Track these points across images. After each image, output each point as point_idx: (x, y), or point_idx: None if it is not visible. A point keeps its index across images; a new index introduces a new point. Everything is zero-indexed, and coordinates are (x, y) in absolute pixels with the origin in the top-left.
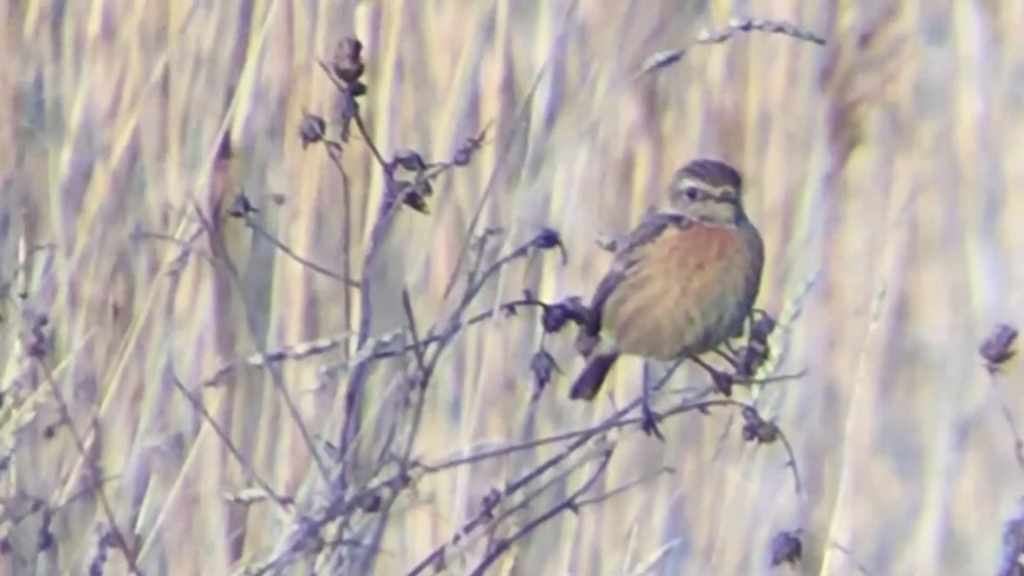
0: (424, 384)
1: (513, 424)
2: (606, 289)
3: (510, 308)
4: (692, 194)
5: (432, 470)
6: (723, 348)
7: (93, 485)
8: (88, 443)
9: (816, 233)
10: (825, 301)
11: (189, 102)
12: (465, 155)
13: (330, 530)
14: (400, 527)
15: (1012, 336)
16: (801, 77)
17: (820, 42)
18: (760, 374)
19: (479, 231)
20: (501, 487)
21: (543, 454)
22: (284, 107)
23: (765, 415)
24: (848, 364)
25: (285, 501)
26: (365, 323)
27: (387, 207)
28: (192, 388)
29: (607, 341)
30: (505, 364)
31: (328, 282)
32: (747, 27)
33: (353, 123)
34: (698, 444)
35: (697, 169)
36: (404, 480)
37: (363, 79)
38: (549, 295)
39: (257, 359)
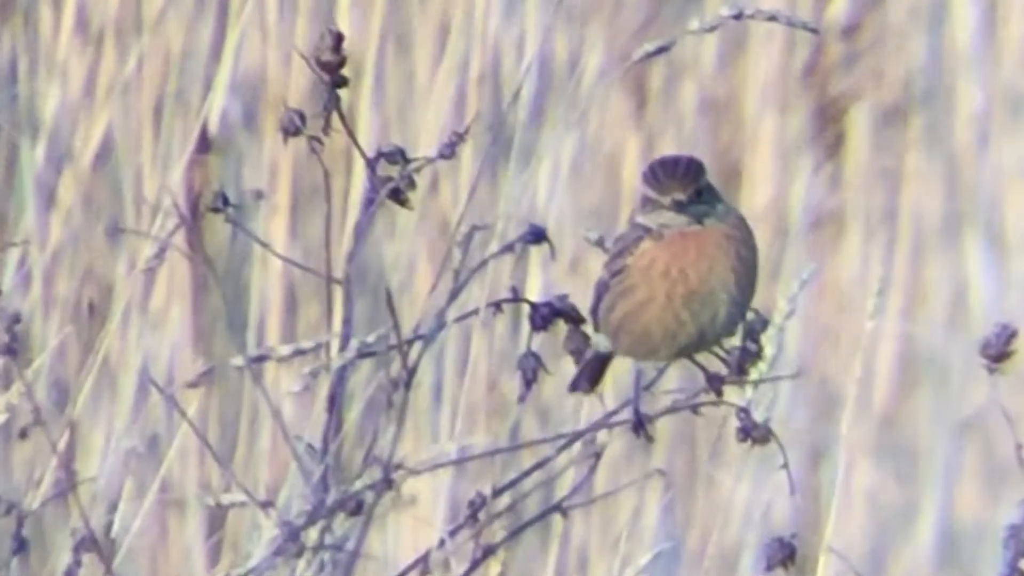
0: (408, 385)
1: (499, 426)
2: (598, 295)
3: (496, 306)
4: (645, 203)
5: (416, 473)
6: (716, 348)
7: (67, 488)
8: (62, 445)
9: (811, 229)
10: (820, 299)
11: (164, 94)
12: (450, 149)
13: (311, 535)
14: (383, 531)
15: (1012, 335)
16: (792, 69)
17: (814, 31)
18: (753, 374)
19: (464, 227)
20: (487, 490)
21: (530, 456)
22: (263, 100)
23: (759, 416)
24: (843, 364)
25: (265, 505)
26: (347, 322)
27: (369, 203)
28: (170, 388)
29: (602, 342)
30: (491, 364)
31: (309, 280)
32: (738, 16)
33: (335, 116)
34: (690, 446)
35: (650, 174)
36: (387, 483)
37: (345, 71)
38: (536, 293)
39: (238, 361)
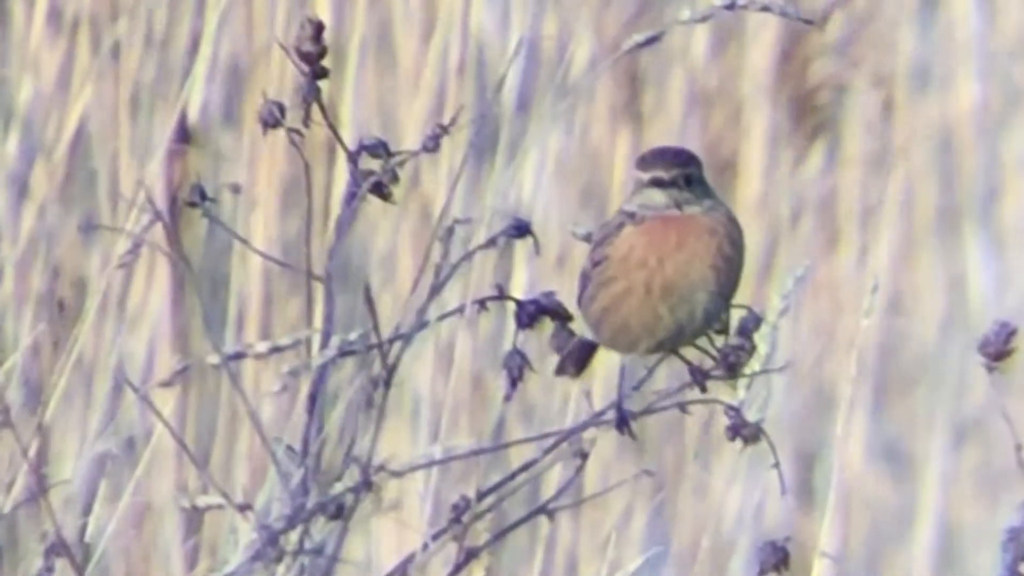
0: (389, 384)
1: (484, 426)
2: (581, 286)
3: (480, 303)
4: (633, 188)
5: (398, 474)
6: (707, 346)
7: (39, 492)
8: (34, 447)
9: (806, 224)
10: (815, 296)
11: (141, 85)
12: (434, 142)
13: (290, 539)
14: (364, 535)
15: (1011, 333)
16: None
17: (808, 23)
18: (746, 372)
19: (447, 221)
20: (471, 492)
21: (516, 457)
22: (242, 91)
23: (750, 415)
24: (838, 362)
25: (243, 508)
26: (328, 319)
27: (351, 197)
28: (145, 389)
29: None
30: (475, 362)
31: (289, 276)
32: (731, 6)
33: (315, 108)
34: (680, 446)
35: (640, 157)
36: (368, 485)
37: (326, 62)
38: (521, 289)
39: (214, 358)
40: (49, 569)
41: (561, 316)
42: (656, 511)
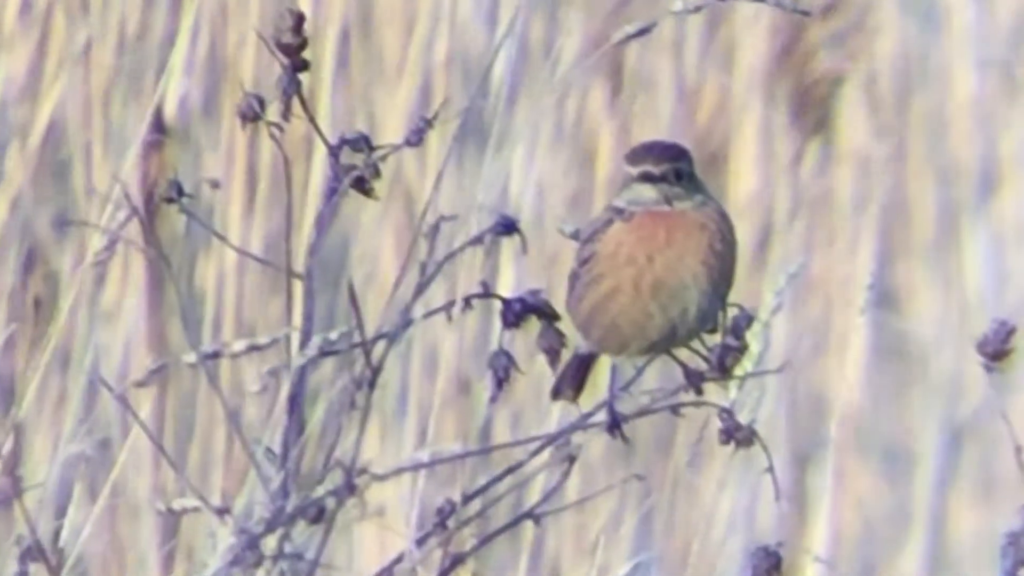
0: (372, 385)
1: (469, 428)
2: (570, 286)
3: (466, 302)
4: (623, 183)
5: (381, 478)
6: (697, 345)
7: (12, 494)
8: (7, 448)
9: (799, 220)
10: (809, 293)
11: (117, 76)
12: (417, 136)
13: (270, 543)
14: (347, 540)
15: (1010, 332)
16: (770, 51)
17: (804, 13)
18: (738, 373)
19: (431, 218)
20: (456, 496)
21: (501, 460)
22: (220, 84)
23: (743, 417)
24: (833, 362)
25: (221, 512)
26: (308, 318)
27: (332, 192)
28: (121, 388)
29: (576, 339)
30: (460, 363)
31: (268, 274)
32: None
33: (295, 101)
34: (670, 449)
35: (630, 151)
36: (351, 489)
37: (306, 54)
38: (508, 288)
39: (191, 357)
40: (23, 573)
41: (548, 315)
42: (645, 516)
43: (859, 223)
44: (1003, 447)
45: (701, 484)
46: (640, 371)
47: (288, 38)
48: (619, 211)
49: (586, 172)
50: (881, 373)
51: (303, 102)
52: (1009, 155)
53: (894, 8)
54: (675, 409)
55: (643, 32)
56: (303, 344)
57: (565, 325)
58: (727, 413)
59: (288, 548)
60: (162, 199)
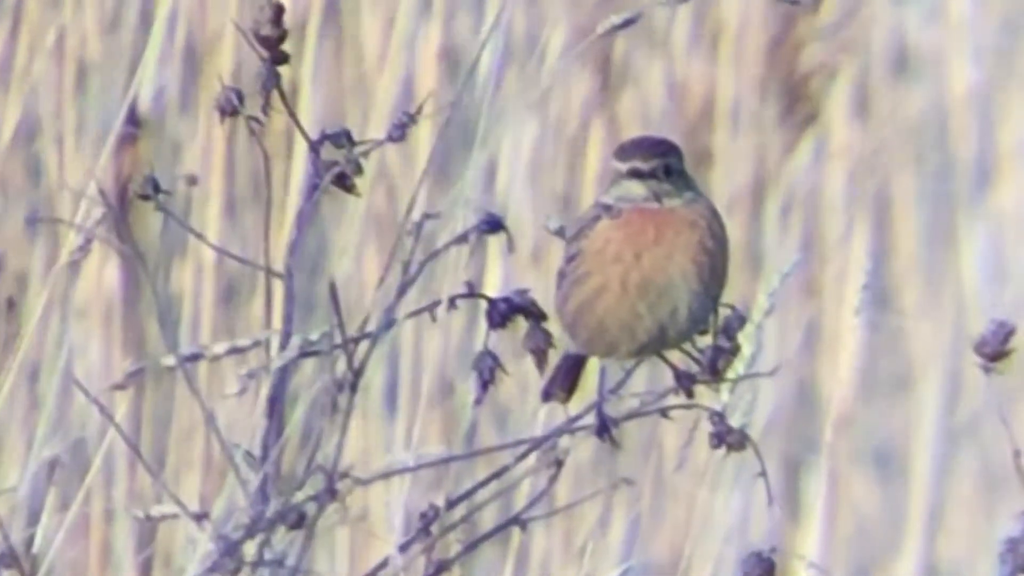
0: (354, 387)
1: (454, 431)
2: (557, 285)
3: (450, 302)
4: (611, 179)
5: (363, 482)
6: (688, 347)
7: None
8: None
9: (792, 217)
10: (802, 294)
11: (90, 68)
12: (400, 131)
13: (250, 549)
14: (328, 546)
15: (1009, 332)
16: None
17: (795, 3)
18: (730, 375)
19: (415, 215)
20: (441, 501)
21: (487, 464)
22: (197, 77)
23: (735, 421)
24: (826, 363)
25: (199, 517)
26: (288, 319)
27: (312, 189)
28: (96, 391)
29: (565, 341)
30: (445, 364)
31: (247, 273)
32: None
33: (275, 95)
34: (660, 453)
35: (618, 147)
36: (332, 493)
37: (286, 46)
38: (494, 287)
39: (169, 360)
40: None
41: (535, 315)
42: (634, 522)
43: (853, 219)
44: (1001, 451)
45: (692, 489)
46: (629, 373)
47: (268, 30)
48: (607, 208)
49: (573, 168)
50: (876, 375)
51: (283, 96)
52: (1007, 148)
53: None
54: (665, 412)
55: (629, 23)
56: (283, 345)
57: (553, 325)
58: (718, 416)
59: (268, 555)
60: (138, 196)
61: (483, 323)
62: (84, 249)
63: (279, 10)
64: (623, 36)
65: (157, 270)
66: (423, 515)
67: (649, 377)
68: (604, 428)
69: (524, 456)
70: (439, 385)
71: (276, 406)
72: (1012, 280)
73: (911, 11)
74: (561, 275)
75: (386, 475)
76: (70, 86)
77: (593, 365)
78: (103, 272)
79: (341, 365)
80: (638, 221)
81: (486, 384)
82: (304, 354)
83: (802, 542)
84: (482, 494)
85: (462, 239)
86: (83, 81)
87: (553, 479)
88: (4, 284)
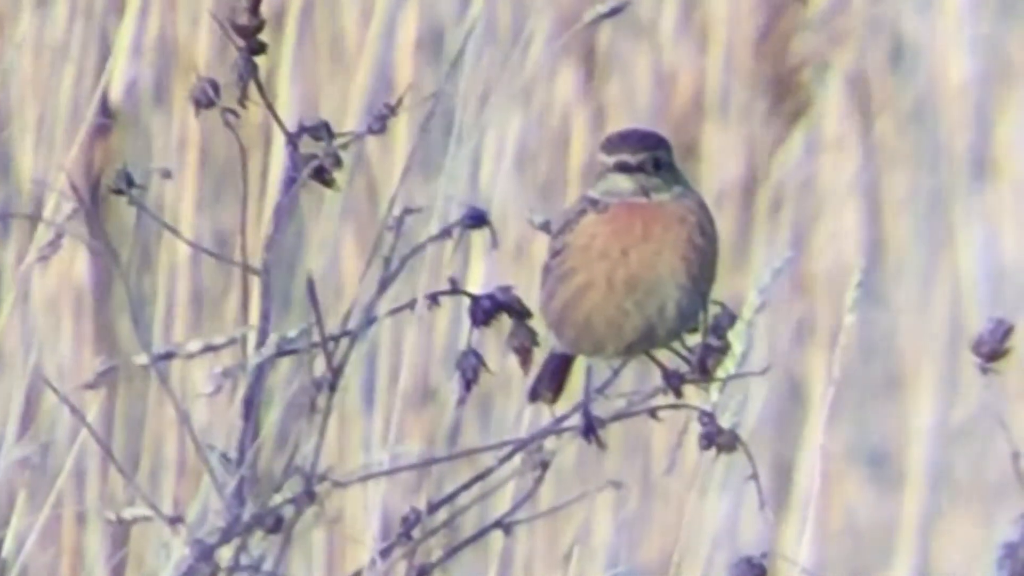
0: (333, 386)
1: (436, 432)
2: (542, 281)
3: (432, 299)
4: (598, 173)
5: (342, 485)
6: (677, 345)
7: None
8: None
9: (783, 212)
10: (794, 291)
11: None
12: (380, 123)
13: (225, 554)
14: (305, 550)
15: (1007, 331)
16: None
17: None
18: (720, 374)
19: (396, 210)
20: (422, 504)
21: (470, 466)
22: (171, 67)
23: (725, 421)
24: (819, 363)
25: (174, 521)
26: (265, 316)
27: (290, 183)
28: (67, 390)
29: (550, 339)
30: (427, 363)
31: (222, 269)
32: None
33: (252, 86)
34: (648, 455)
35: (605, 139)
36: (310, 496)
37: (263, 36)
38: (477, 283)
39: (143, 358)
40: None
41: (519, 312)
42: (620, 525)
43: (845, 214)
44: (998, 453)
45: (681, 491)
46: (616, 372)
47: (244, 19)
48: (593, 202)
49: (558, 161)
50: (870, 374)
51: (260, 87)
52: (1004, 141)
53: None
54: (653, 413)
55: (615, 12)
56: (259, 343)
57: (538, 323)
58: (708, 417)
59: (244, 559)
60: (109, 190)
61: (466, 321)
62: (55, 245)
63: None
64: (608, 25)
65: (130, 266)
66: (404, 519)
67: (637, 376)
68: (590, 429)
69: (508, 458)
70: (420, 384)
71: (252, 406)
72: (1009, 277)
73: (905, 1)
74: (546, 271)
75: (365, 477)
76: (40, 77)
77: (580, 364)
78: (73, 268)
79: (320, 364)
80: (625, 216)
81: (469, 384)
82: (282, 353)
83: (794, 545)
84: (465, 497)
85: (445, 234)
86: (54, 71)
87: (538, 482)
88: None
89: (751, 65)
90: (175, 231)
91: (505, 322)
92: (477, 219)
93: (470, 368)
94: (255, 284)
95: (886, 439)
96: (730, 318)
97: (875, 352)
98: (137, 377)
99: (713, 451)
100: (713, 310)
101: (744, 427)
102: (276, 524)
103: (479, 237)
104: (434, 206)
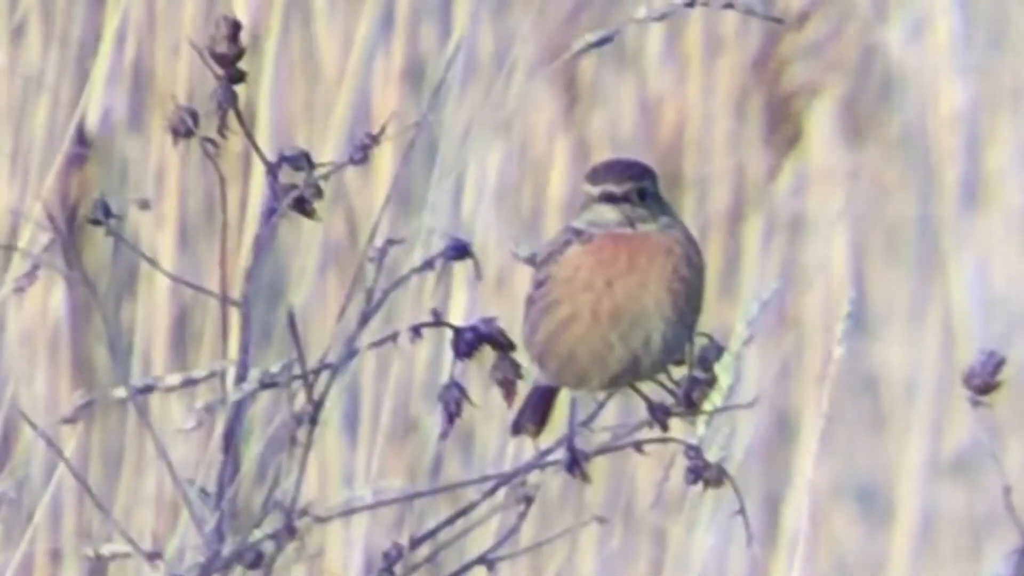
0: (314, 420)
1: (418, 466)
2: (525, 313)
3: (415, 331)
4: (583, 203)
5: (323, 520)
6: (663, 378)
7: None
8: None
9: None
10: (782, 323)
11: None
12: (362, 153)
13: None
14: None
15: (999, 363)
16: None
17: (778, 21)
18: (706, 407)
19: (378, 241)
20: (404, 540)
21: (452, 501)
22: (148, 95)
23: (712, 455)
24: (808, 396)
25: (152, 557)
26: (245, 349)
27: (270, 213)
28: (43, 424)
29: (534, 372)
30: (409, 396)
31: (201, 301)
32: (691, 3)
33: (231, 115)
34: (633, 489)
35: (591, 169)
36: (290, 532)
37: (243, 64)
38: (459, 315)
39: (121, 392)
40: None
41: (503, 345)
42: (606, 561)
43: (834, 244)
44: (990, 486)
45: (666, 526)
46: (601, 405)
47: (224, 47)
48: (578, 233)
49: (539, 192)
50: (859, 407)
51: (239, 116)
52: (995, 169)
53: (873, 16)
54: (639, 446)
55: (605, 41)
56: (240, 377)
57: (521, 355)
58: (694, 451)
59: None
60: (87, 220)
61: (449, 353)
62: (31, 276)
63: (235, 26)
64: (592, 54)
65: (107, 298)
66: (385, 554)
67: (622, 410)
68: (575, 462)
69: (491, 492)
70: (402, 418)
71: (232, 441)
72: (1001, 307)
73: (896, 29)
74: (529, 302)
75: (347, 512)
76: (14, 104)
77: (564, 397)
78: (49, 299)
79: (300, 398)
80: (610, 247)
81: (452, 417)
82: (262, 386)
83: None
84: (447, 532)
85: (427, 265)
86: (28, 98)
87: (522, 516)
88: None
89: (741, 94)
90: (154, 262)
91: (488, 354)
92: (460, 250)
93: (453, 401)
94: (235, 316)
95: (876, 473)
96: (717, 350)
97: (865, 385)
98: (115, 411)
99: (700, 486)
100: (700, 342)
101: (731, 461)
102: (256, 560)
103: (461, 269)
104: (416, 237)
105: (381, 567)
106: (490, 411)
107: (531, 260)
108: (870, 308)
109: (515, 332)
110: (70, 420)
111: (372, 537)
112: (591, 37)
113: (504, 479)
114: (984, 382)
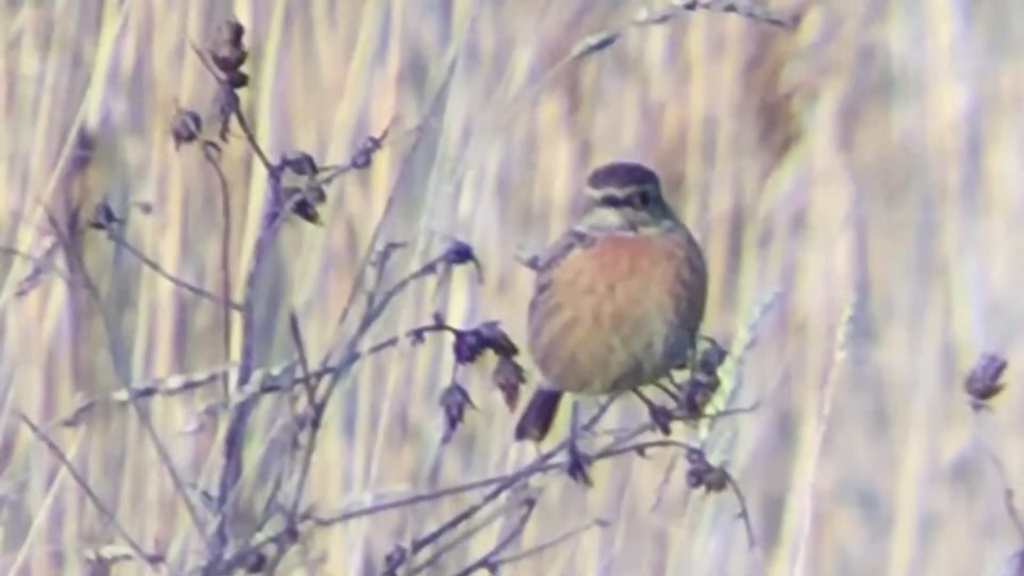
0: (316, 423)
1: (419, 470)
2: (529, 316)
3: (416, 334)
4: (585, 207)
5: (326, 523)
6: (665, 382)
7: None
8: None
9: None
10: (784, 327)
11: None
12: (364, 156)
13: None
14: None
15: (1000, 367)
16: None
17: (778, 23)
18: (708, 411)
19: (379, 245)
20: (405, 543)
21: (454, 505)
22: (149, 99)
23: (714, 459)
24: (810, 400)
25: (154, 560)
26: (247, 353)
27: (272, 217)
28: (45, 427)
29: (537, 376)
30: (410, 400)
31: (203, 304)
32: (692, 6)
33: (233, 119)
34: (635, 493)
35: (593, 173)
36: (292, 535)
37: (245, 68)
38: (459, 318)
39: (122, 395)
40: None
41: (505, 348)
42: (609, 565)
43: (836, 248)
44: (991, 490)
45: (668, 529)
46: (603, 409)
47: (226, 51)
48: (580, 236)
49: (541, 195)
50: (861, 411)
51: (242, 120)
52: (996, 172)
53: (871, 17)
54: (641, 450)
55: (606, 44)
56: (242, 380)
57: (524, 359)
58: (696, 454)
59: None
60: (89, 224)
61: (451, 357)
62: (33, 279)
63: (238, 30)
64: (593, 58)
65: (109, 301)
66: (387, 558)
67: (624, 413)
68: (577, 466)
69: (493, 496)
70: (403, 421)
71: (234, 444)
72: (1002, 310)
73: (896, 31)
74: (532, 307)
75: (349, 516)
76: (17, 107)
77: (566, 400)
78: (51, 303)
79: (302, 401)
80: (612, 251)
81: (454, 421)
82: (264, 390)
83: None
84: (449, 536)
85: (429, 269)
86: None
87: (524, 520)
88: None
89: (739, 96)
90: (155, 266)
91: (489, 358)
92: (461, 254)
93: (455, 405)
94: (237, 320)
95: (877, 476)
96: (719, 354)
97: (866, 389)
98: (116, 413)
99: (702, 489)
100: (702, 346)
101: (733, 465)
102: (258, 563)
103: (463, 272)
104: (417, 240)
105: (383, 570)
106: (491, 414)
107: (533, 264)
108: (872, 312)
109: (518, 336)
110: (71, 423)
111: (373, 541)
112: (592, 40)
113: (506, 482)
114: (985, 386)
